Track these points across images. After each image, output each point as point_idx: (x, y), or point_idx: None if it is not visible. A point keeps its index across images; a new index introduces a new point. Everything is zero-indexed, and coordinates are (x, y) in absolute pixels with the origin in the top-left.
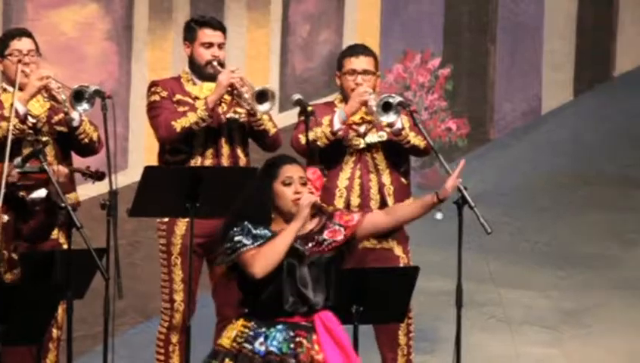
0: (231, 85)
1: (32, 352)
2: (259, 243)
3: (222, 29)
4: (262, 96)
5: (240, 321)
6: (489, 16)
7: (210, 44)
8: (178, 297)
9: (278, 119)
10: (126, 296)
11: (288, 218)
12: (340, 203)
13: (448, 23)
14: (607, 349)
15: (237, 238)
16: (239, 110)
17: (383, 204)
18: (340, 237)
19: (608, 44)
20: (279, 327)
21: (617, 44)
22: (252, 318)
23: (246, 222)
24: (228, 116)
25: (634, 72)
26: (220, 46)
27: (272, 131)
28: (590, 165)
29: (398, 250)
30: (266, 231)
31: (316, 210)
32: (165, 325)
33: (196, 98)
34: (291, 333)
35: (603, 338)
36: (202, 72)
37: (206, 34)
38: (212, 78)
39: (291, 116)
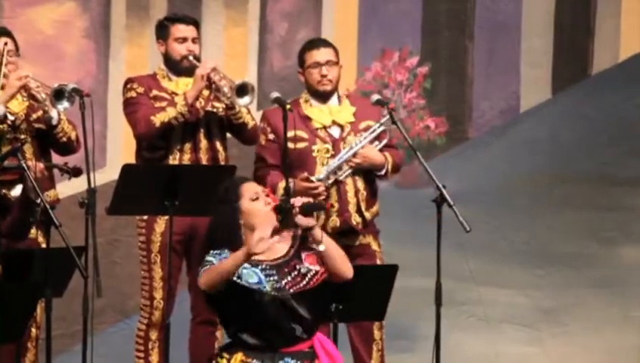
0: (209, 78)
1: (12, 350)
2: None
3: (195, 23)
4: (242, 90)
5: (239, 356)
6: (467, 14)
7: (184, 39)
8: (158, 295)
9: (256, 116)
10: (105, 294)
11: None
12: None
13: (427, 21)
14: (586, 348)
15: (208, 258)
16: (217, 104)
17: (358, 209)
18: (318, 267)
19: (586, 42)
20: (287, 359)
21: (595, 42)
22: (251, 353)
23: (227, 250)
24: (206, 109)
25: (612, 70)
26: (194, 40)
27: (251, 124)
28: (568, 164)
29: (374, 245)
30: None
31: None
32: (144, 322)
33: (172, 93)
34: None
35: (581, 336)
36: (178, 67)
37: (180, 29)
38: (188, 73)
39: None
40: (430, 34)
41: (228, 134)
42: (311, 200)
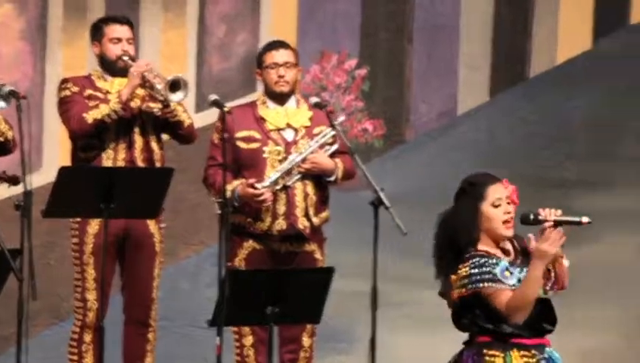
0: (143, 76)
1: None
2: (513, 284)
3: (129, 23)
4: (174, 85)
5: (515, 353)
6: (406, 16)
7: (119, 40)
8: (91, 296)
9: (194, 118)
10: (40, 297)
11: (498, 239)
12: (267, 211)
13: (365, 23)
14: None
15: (486, 269)
16: (152, 104)
17: (306, 213)
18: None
19: (524, 44)
20: (547, 349)
21: (533, 44)
22: (528, 347)
23: (503, 260)
24: (142, 107)
25: (549, 72)
26: (129, 41)
27: (187, 122)
28: (506, 166)
29: (318, 254)
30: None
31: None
32: (78, 324)
33: (107, 93)
34: None
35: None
36: (113, 68)
37: (114, 29)
38: (123, 73)
39: (208, 116)
40: (368, 36)
41: (165, 136)
42: (560, 213)
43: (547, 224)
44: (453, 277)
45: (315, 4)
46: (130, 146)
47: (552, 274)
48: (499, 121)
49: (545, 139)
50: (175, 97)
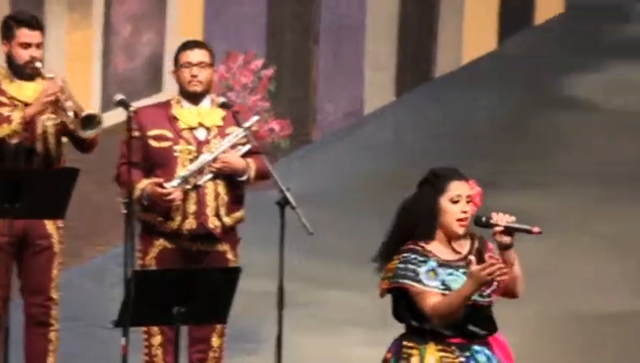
0: (54, 99)
1: None
2: (435, 286)
3: (40, 28)
4: (87, 121)
5: (432, 346)
6: (312, 16)
7: (28, 45)
8: None
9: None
10: None
11: (450, 235)
12: (177, 210)
13: (271, 23)
14: None
15: (411, 267)
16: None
17: (217, 213)
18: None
19: (430, 43)
20: (475, 347)
21: (439, 45)
22: (449, 343)
23: (432, 261)
24: (44, 117)
25: (455, 72)
26: (38, 46)
27: (90, 136)
28: (412, 166)
29: (230, 254)
30: (435, 281)
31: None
32: None
33: (12, 98)
34: None
35: None
36: (21, 71)
37: (25, 34)
38: (31, 77)
39: (113, 116)
40: (274, 37)
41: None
42: (513, 219)
43: (497, 228)
44: (388, 266)
45: (220, 5)
46: (30, 161)
47: (494, 282)
48: (405, 121)
49: (451, 139)
50: (84, 133)
